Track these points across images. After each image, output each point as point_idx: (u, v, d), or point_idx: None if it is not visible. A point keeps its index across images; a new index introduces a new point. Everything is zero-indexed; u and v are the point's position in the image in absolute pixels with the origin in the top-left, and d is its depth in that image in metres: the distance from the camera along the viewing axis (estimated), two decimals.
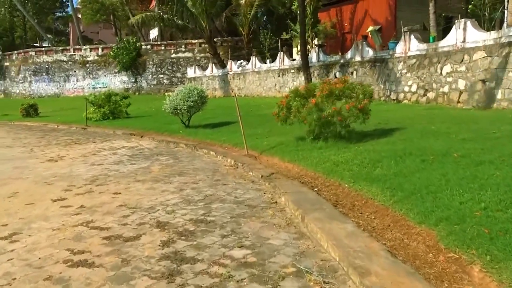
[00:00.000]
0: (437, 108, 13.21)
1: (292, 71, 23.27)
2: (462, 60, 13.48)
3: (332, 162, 7.10)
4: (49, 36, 51.11)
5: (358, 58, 19.03)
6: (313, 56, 21.61)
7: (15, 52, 42.52)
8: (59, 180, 7.22)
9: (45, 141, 13.43)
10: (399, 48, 16.80)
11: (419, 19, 21.36)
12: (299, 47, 25.10)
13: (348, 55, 19.80)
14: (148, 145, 11.90)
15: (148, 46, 37.76)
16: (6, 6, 50.31)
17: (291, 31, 25.52)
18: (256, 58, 26.55)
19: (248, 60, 27.74)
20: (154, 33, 45.63)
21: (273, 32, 29.87)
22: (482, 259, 3.25)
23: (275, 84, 24.64)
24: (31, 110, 24.11)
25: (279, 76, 24.39)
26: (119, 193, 6.17)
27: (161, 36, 40.48)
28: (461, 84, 13.45)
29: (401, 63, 16.58)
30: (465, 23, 13.60)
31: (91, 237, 4.29)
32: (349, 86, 9.12)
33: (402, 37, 16.69)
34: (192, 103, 13.93)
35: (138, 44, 37.24)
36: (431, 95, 14.86)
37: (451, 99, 13.82)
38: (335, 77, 19.88)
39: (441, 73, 14.44)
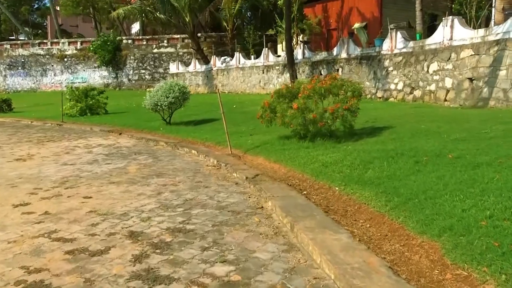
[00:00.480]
0: (425, 107, 12.99)
1: (277, 67, 22.85)
2: (449, 58, 13.29)
3: (320, 163, 6.72)
4: (25, 29, 49.32)
5: (344, 55, 18.73)
6: (298, 52, 21.23)
7: None
8: (25, 182, 6.62)
9: (15, 138, 12.66)
10: (386, 45, 16.56)
11: (404, 17, 21.22)
12: (284, 43, 24.72)
13: (334, 52, 19.48)
14: (126, 143, 11.31)
15: (130, 41, 36.79)
16: None
17: (276, 27, 25.08)
18: (240, 54, 26.04)
19: (232, 56, 27.21)
20: (136, 27, 44.56)
21: (257, 28, 29.35)
22: (496, 278, 2.88)
23: (260, 81, 24.20)
24: (4, 105, 23.05)
25: (263, 73, 23.95)
26: (90, 197, 5.63)
27: (143, 31, 39.49)
28: (448, 82, 13.26)
29: (388, 61, 16.34)
30: (452, 20, 13.41)
31: (52, 251, 3.76)
32: (337, 84, 8.75)
33: (389, 34, 16.45)
34: (173, 99, 13.38)
35: (118, 38, 36.20)
36: (417, 93, 14.65)
37: (438, 97, 13.63)
38: (321, 74, 19.57)
39: (427, 71, 14.24)
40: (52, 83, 37.79)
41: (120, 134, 13.29)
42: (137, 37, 37.93)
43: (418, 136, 7.88)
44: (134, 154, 9.31)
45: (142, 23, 37.11)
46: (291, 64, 18.48)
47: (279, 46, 26.65)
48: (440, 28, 14.00)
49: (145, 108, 14.04)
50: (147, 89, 19.22)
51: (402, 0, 22.70)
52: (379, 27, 21.99)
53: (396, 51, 16.03)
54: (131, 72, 36.30)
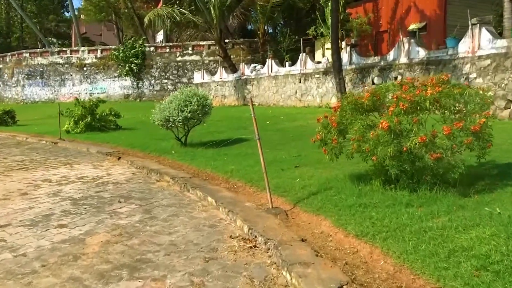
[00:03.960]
0: None
1: (317, 75, 19.31)
2: None
3: (473, 259, 3.12)
4: (48, 38, 47.74)
5: (404, 60, 15.06)
6: (344, 57, 17.64)
7: (9, 54, 39.23)
8: None
9: None
10: (464, 46, 12.81)
11: (472, 15, 17.48)
12: (325, 46, 21.21)
13: (390, 56, 15.84)
14: (119, 175, 8.02)
15: (152, 48, 34.18)
16: (2, 6, 46.98)
17: (316, 28, 21.50)
18: (272, 61, 22.64)
19: (264, 64, 23.88)
20: (161, 36, 42.11)
21: (292, 31, 25.86)
22: None
23: (296, 91, 20.68)
24: (6, 117, 20.49)
25: (300, 82, 20.43)
26: None
27: (167, 38, 36.80)
28: None
29: (468, 65, 12.56)
30: None
31: None
32: (450, 92, 5.09)
33: (469, 32, 12.70)
34: (189, 114, 10.10)
35: (141, 43, 33.54)
36: None
37: None
38: (373, 83, 15.94)
39: None
40: (70, 93, 35.52)
41: (119, 158, 10.07)
42: (160, 45, 35.30)
43: None
44: (118, 201, 5.95)
45: (166, 29, 34.37)
46: (338, 70, 14.93)
47: (317, 52, 23.13)
48: None
49: (154, 123, 10.86)
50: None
51: None
52: (442, 27, 18.20)
53: (480, 52, 12.25)
54: (152, 81, 33.61)
